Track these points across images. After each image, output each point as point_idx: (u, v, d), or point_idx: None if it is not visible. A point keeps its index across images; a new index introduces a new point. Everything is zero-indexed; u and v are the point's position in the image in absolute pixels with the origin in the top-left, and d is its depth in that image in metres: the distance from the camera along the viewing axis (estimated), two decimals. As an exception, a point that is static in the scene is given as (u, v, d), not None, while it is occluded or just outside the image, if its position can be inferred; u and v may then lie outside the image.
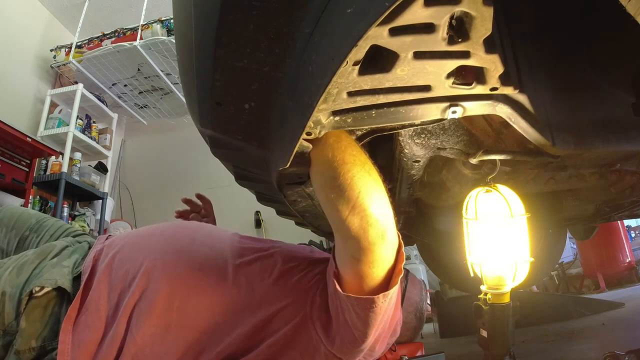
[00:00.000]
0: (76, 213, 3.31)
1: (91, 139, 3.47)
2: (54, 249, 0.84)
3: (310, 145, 0.63)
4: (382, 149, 0.97)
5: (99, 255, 0.81)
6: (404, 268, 0.76)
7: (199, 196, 1.15)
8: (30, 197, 2.73)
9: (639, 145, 0.72)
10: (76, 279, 0.76)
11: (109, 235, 0.90)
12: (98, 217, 3.44)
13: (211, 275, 0.76)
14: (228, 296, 0.74)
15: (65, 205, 3.10)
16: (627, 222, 3.66)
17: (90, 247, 0.87)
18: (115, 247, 0.81)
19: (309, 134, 0.58)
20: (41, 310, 0.71)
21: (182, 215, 1.12)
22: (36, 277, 0.75)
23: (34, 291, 0.72)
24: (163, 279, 0.73)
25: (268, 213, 2.42)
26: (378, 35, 0.44)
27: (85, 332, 0.70)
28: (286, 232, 2.33)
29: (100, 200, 3.48)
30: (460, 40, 0.46)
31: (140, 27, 3.15)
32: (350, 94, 0.53)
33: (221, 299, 0.74)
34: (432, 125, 0.67)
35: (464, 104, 0.59)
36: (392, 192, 1.10)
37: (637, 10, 0.42)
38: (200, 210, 1.14)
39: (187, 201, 1.13)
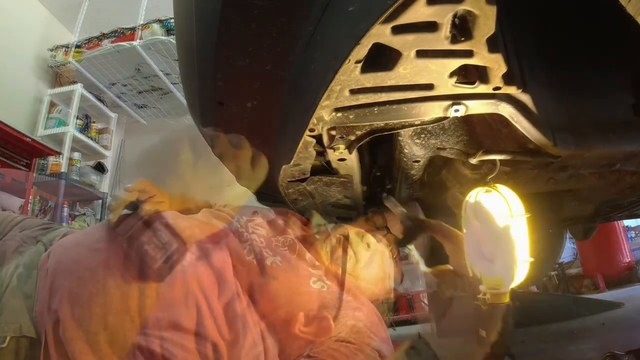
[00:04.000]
0: (76, 213, 3.31)
1: (90, 139, 3.46)
2: (5, 255, 0.78)
3: (314, 141, 0.62)
4: (382, 149, 0.97)
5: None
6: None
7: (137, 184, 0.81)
8: (30, 197, 2.72)
9: (639, 145, 0.72)
10: None
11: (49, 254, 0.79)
12: (98, 217, 3.44)
13: None
14: None
15: (65, 205, 3.09)
16: (626, 222, 3.65)
17: (45, 248, 0.80)
18: (49, 276, 0.73)
19: (312, 130, 0.58)
20: (13, 357, 0.67)
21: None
22: None
23: None
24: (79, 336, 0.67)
25: (268, 213, 2.41)
26: (380, 33, 0.44)
27: None
28: (286, 232, 2.31)
29: (100, 200, 3.47)
30: (463, 39, 0.47)
31: (139, 27, 3.15)
32: (353, 92, 0.53)
33: None
34: (432, 125, 0.67)
35: (466, 102, 0.59)
36: (392, 192, 1.10)
37: (637, 10, 0.42)
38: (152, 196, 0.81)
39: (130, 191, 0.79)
